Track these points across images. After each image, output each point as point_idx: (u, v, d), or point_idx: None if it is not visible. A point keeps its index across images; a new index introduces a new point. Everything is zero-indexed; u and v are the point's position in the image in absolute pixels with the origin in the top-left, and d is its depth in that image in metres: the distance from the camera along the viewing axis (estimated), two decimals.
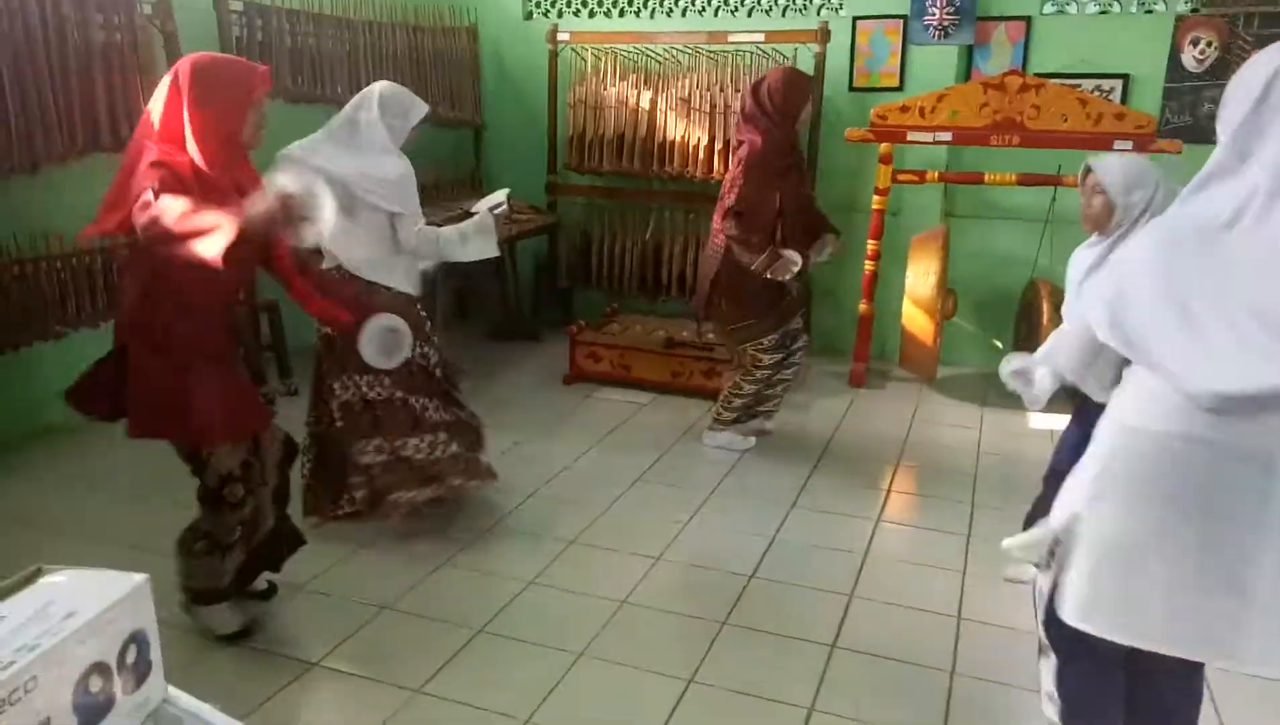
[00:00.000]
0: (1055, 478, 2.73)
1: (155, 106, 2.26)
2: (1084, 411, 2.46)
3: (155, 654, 0.90)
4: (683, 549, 3.20)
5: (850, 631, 2.71)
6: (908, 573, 3.07)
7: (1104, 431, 1.69)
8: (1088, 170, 2.60)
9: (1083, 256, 2.66)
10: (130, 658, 0.86)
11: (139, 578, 0.86)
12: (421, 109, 3.17)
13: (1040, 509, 2.74)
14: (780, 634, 2.69)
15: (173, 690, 0.92)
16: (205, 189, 2.18)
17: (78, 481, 3.61)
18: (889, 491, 3.74)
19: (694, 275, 5.62)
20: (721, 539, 3.28)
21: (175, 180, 2.14)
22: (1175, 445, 1.54)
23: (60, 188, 3.93)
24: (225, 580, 2.57)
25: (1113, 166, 2.56)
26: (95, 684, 0.82)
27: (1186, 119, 4.80)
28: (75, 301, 3.86)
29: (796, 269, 3.71)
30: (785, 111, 3.71)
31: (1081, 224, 2.64)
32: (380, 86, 3.10)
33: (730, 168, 3.88)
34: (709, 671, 2.51)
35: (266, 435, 2.61)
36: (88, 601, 0.82)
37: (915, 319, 4.81)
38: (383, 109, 3.07)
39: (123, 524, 3.25)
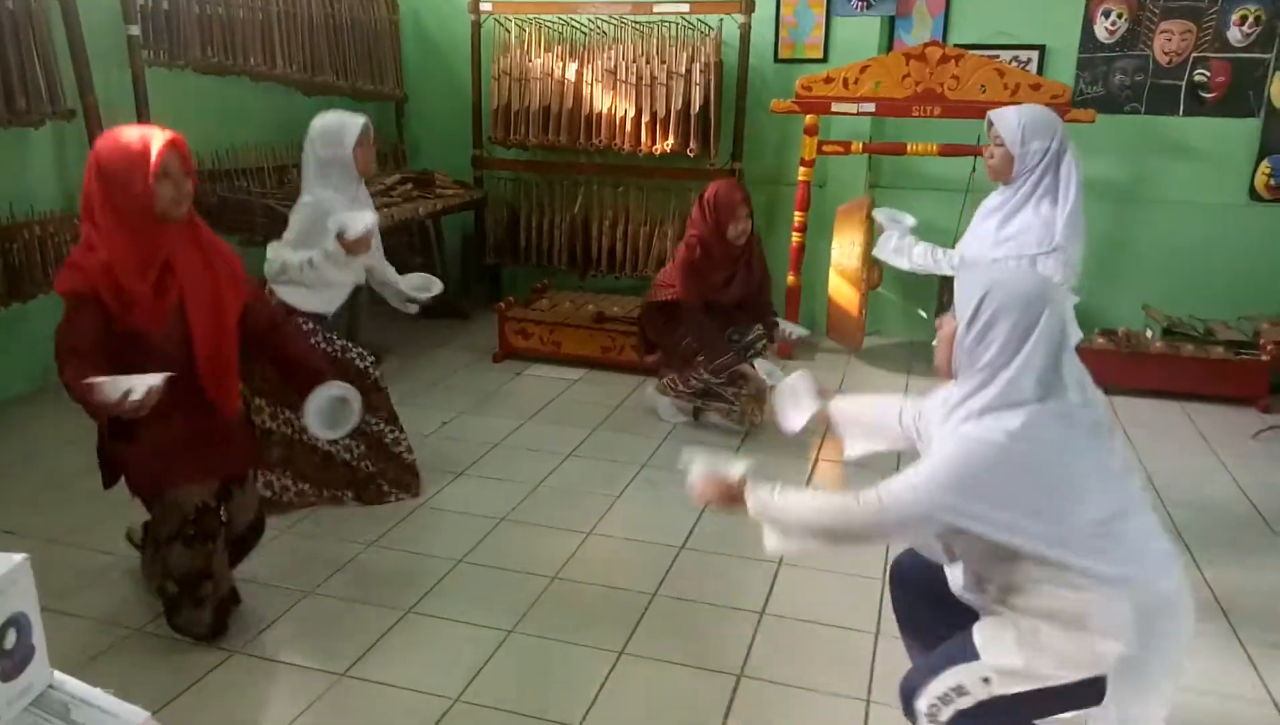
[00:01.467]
0: None
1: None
2: None
3: (38, 638, 0.85)
4: (614, 523, 3.20)
5: (778, 599, 2.74)
6: None
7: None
8: (990, 123, 2.68)
9: (988, 203, 2.83)
10: (8, 642, 0.82)
11: (17, 558, 0.81)
12: (354, 127, 3.14)
13: None
14: (710, 603, 2.71)
15: (59, 675, 0.88)
16: (111, 280, 2.19)
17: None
18: (816, 460, 3.79)
19: (623, 249, 5.60)
20: (652, 512, 3.28)
21: (81, 305, 2.22)
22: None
23: None
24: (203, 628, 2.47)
25: (1009, 118, 2.65)
26: None
27: (1099, 89, 4.92)
28: None
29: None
30: (716, 222, 3.78)
31: (988, 175, 2.74)
32: (313, 123, 3.18)
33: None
34: (640, 643, 2.51)
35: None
36: None
37: (841, 290, 4.87)
38: (311, 144, 3.16)
39: (38, 514, 3.11)
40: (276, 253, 3.15)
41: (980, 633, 1.75)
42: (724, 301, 3.93)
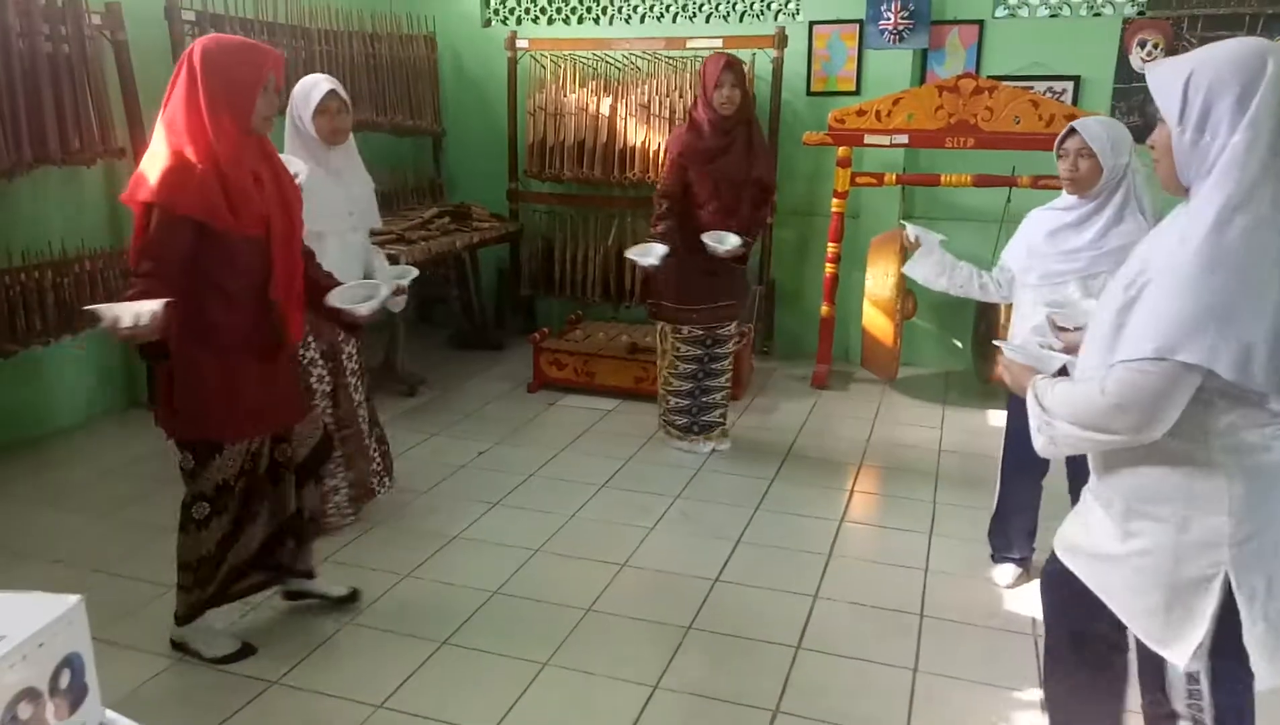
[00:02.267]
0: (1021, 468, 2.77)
1: (172, 90, 2.23)
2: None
3: (91, 677, 0.88)
4: (647, 555, 3.20)
5: (815, 632, 2.72)
6: (871, 572, 3.09)
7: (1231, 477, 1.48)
8: (1070, 132, 2.63)
9: (1044, 218, 2.77)
10: (63, 682, 0.84)
11: (73, 599, 0.84)
12: (316, 95, 2.96)
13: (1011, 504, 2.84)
14: (745, 637, 2.70)
15: (110, 714, 0.90)
16: (219, 178, 2.19)
17: (37, 501, 3.53)
18: (852, 492, 3.77)
19: None
20: (686, 544, 3.28)
21: (176, 224, 2.18)
22: None
23: (8, 202, 3.86)
24: (205, 595, 2.50)
25: (1098, 129, 2.59)
26: (25, 711, 0.80)
27: (1136, 119, 4.88)
28: (25, 318, 3.77)
29: (648, 261, 3.66)
30: (704, 91, 3.74)
31: (1065, 188, 2.67)
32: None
33: None
34: (674, 677, 2.50)
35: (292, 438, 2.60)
36: (17, 625, 0.80)
37: (875, 320, 4.86)
38: (290, 105, 3.03)
39: (84, 544, 3.18)
40: None
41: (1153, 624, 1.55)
42: (720, 176, 3.74)
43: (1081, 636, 1.76)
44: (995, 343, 1.86)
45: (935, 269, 3.06)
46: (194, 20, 4.34)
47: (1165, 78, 1.46)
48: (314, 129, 3.01)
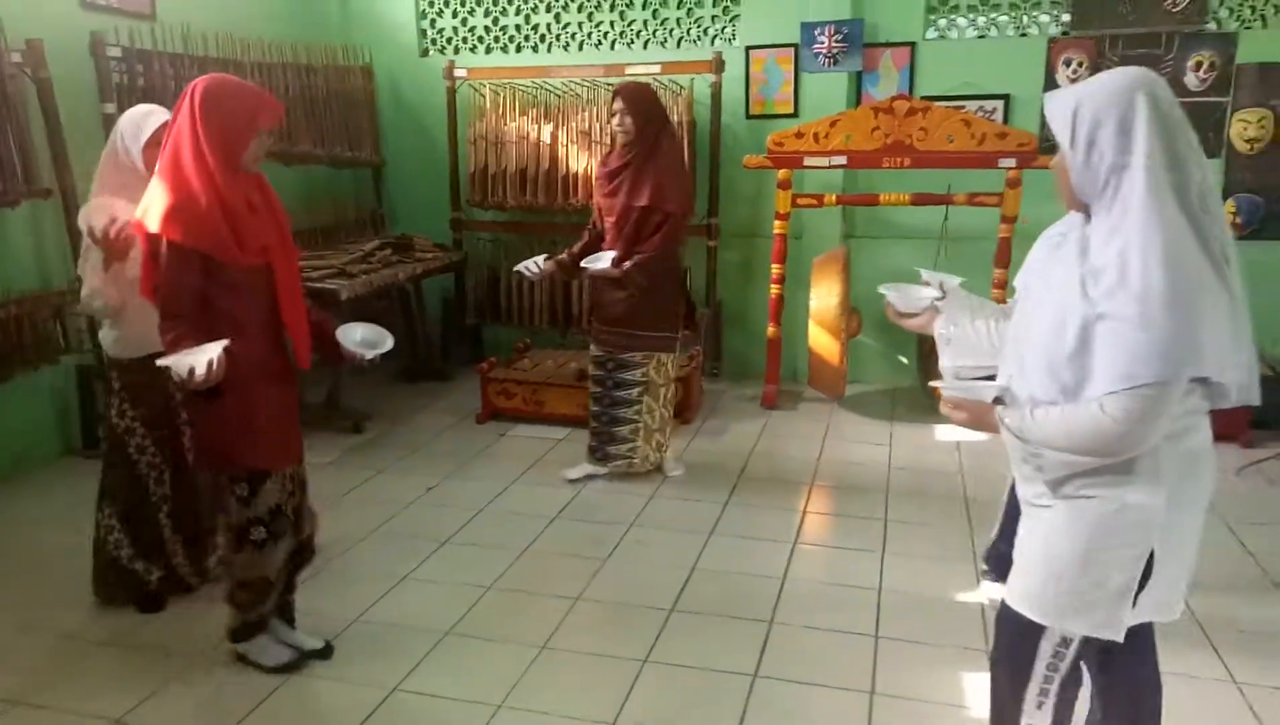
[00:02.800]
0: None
1: (173, 126, 2.31)
2: None
3: None
4: (602, 587, 3.16)
5: (771, 659, 2.71)
6: (826, 594, 3.10)
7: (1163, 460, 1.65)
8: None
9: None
10: None
11: None
12: (154, 120, 2.67)
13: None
14: (702, 667, 2.67)
15: None
16: (221, 211, 2.25)
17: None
18: (804, 513, 3.78)
19: None
20: (641, 573, 3.25)
21: (185, 259, 2.25)
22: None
23: None
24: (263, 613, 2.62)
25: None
26: None
27: None
28: None
29: (527, 273, 3.99)
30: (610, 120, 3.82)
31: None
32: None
33: None
34: (632, 711, 2.47)
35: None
36: None
37: (821, 339, 4.90)
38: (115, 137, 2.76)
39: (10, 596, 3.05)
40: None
41: (1026, 593, 1.78)
42: (610, 200, 3.79)
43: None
44: (933, 384, 1.83)
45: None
46: (120, 56, 4.24)
47: (1057, 108, 1.65)
48: (143, 162, 2.63)
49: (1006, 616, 1.84)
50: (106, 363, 2.83)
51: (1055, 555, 1.73)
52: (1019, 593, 1.81)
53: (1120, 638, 1.72)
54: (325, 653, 2.72)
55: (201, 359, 2.10)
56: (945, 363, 2.05)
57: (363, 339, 2.56)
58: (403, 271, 5.10)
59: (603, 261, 3.75)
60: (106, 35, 4.18)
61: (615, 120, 3.73)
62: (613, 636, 2.84)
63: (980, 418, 1.77)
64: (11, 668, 2.67)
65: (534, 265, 3.97)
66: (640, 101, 3.72)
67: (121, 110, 4.22)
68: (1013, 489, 2.73)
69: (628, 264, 3.73)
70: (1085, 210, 1.66)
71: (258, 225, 2.34)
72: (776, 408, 5.08)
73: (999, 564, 2.96)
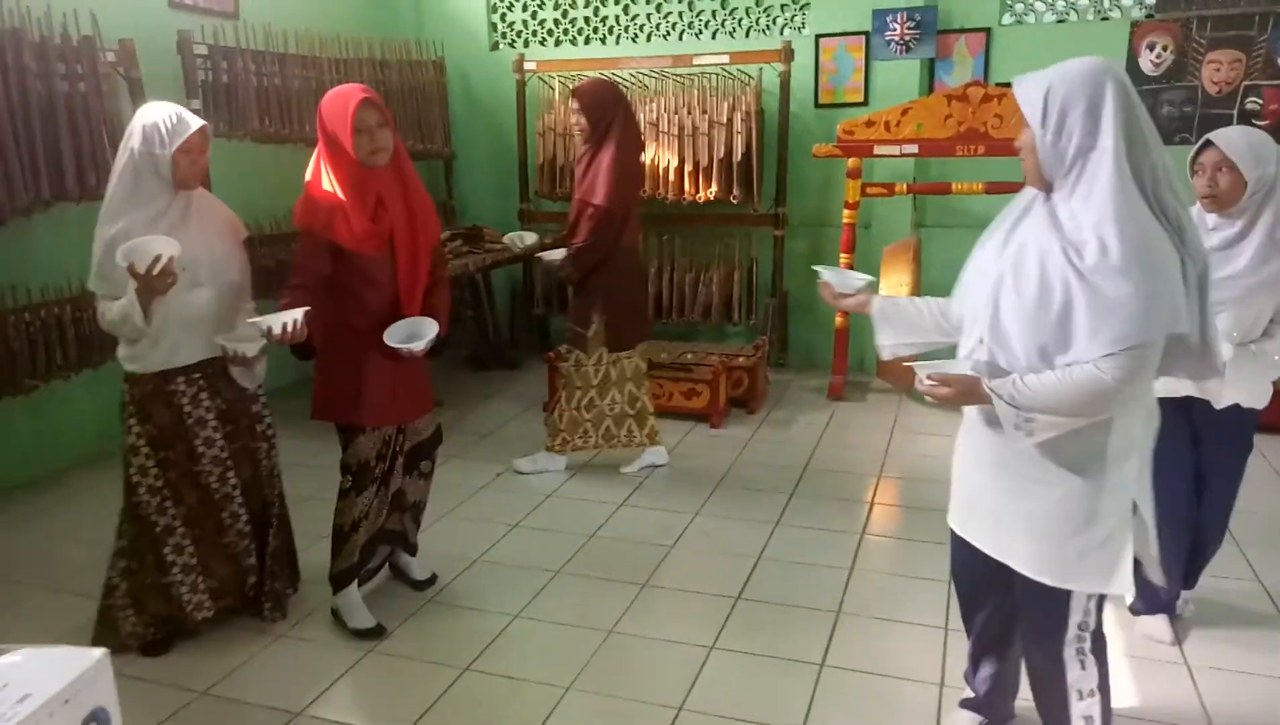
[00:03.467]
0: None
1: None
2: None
3: None
4: (668, 574, 3.19)
5: (838, 650, 2.70)
6: (894, 586, 3.07)
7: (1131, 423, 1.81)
8: (1206, 144, 2.40)
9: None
10: None
11: (97, 653, 0.85)
12: (191, 124, 2.52)
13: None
14: (768, 655, 2.68)
15: None
16: (344, 206, 2.53)
17: (56, 534, 3.56)
18: (872, 503, 3.75)
19: (670, 295, 5.64)
20: (707, 561, 3.27)
21: (312, 238, 2.58)
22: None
23: (27, 239, 3.91)
24: (349, 563, 2.83)
25: (1239, 141, 2.35)
26: None
27: None
28: (46, 354, 3.82)
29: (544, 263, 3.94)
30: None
31: (1204, 206, 2.41)
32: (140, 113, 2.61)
33: None
34: (699, 698, 2.49)
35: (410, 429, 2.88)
36: (43, 682, 0.81)
37: None
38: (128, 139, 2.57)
39: (99, 577, 3.20)
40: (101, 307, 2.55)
41: (1055, 564, 1.86)
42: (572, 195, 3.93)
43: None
44: (913, 365, 1.89)
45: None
46: (206, 54, 4.40)
47: (1029, 89, 1.76)
48: (172, 169, 2.51)
49: (1030, 590, 1.91)
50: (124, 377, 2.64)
51: (1066, 516, 1.82)
52: (1039, 563, 1.87)
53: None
54: (430, 582, 3.10)
55: (278, 320, 2.34)
56: (884, 341, 2.18)
57: (407, 335, 2.60)
58: (472, 262, 5.19)
59: (555, 253, 3.87)
60: (193, 34, 4.34)
61: (574, 119, 3.85)
62: (678, 623, 2.87)
63: (970, 391, 1.82)
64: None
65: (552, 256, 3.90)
66: (591, 99, 3.77)
67: (205, 106, 4.41)
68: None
69: (559, 255, 3.81)
70: (1048, 187, 1.78)
71: (384, 218, 2.58)
72: (843, 399, 5.04)
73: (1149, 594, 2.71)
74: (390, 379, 2.68)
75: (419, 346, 2.56)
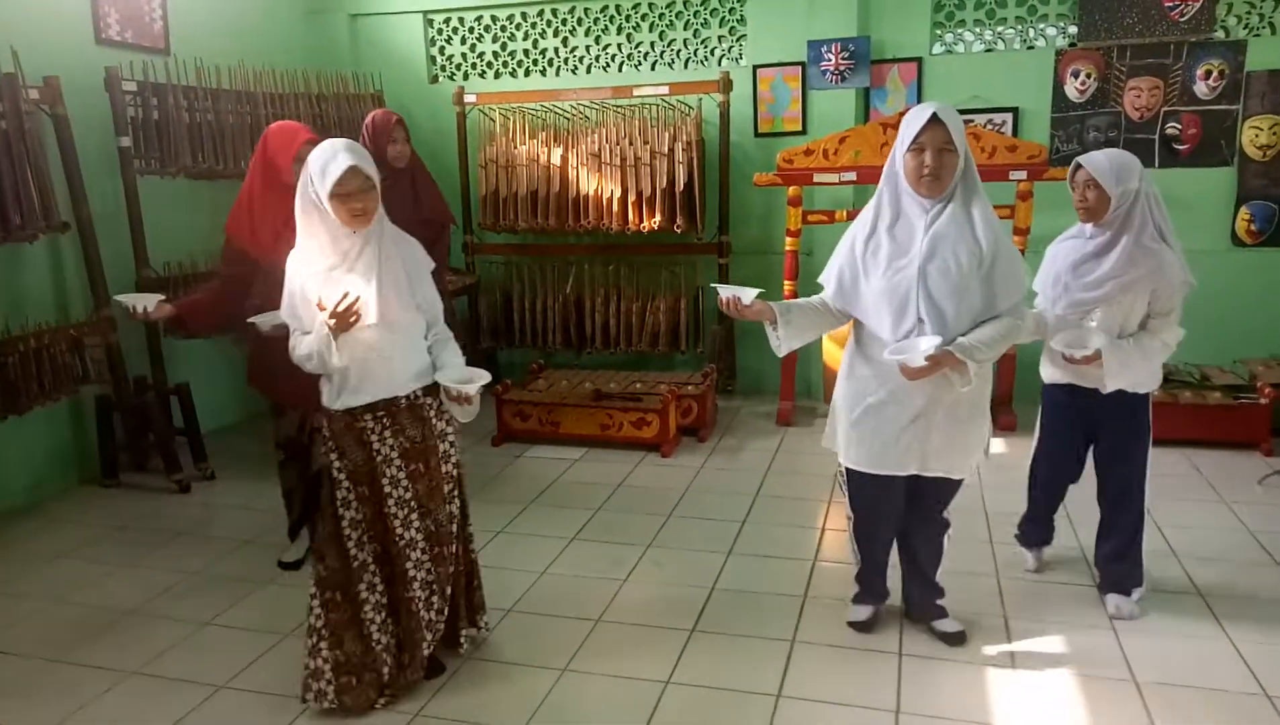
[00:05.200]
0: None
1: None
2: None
3: None
4: (622, 607, 3.14)
5: (794, 679, 2.68)
6: (847, 613, 3.07)
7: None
8: (1077, 166, 2.80)
9: (1066, 249, 2.91)
10: None
11: None
12: (339, 165, 2.38)
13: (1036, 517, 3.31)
14: (724, 688, 2.65)
15: None
16: (253, 231, 3.12)
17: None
18: (823, 529, 3.75)
19: (617, 325, 5.64)
20: (661, 593, 3.23)
21: (230, 241, 3.23)
22: None
23: None
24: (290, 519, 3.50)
25: (1102, 162, 2.75)
26: None
27: (1074, 146, 5.01)
28: None
29: None
30: (375, 147, 3.85)
31: (1080, 217, 2.84)
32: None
33: None
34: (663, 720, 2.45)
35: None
36: None
37: (836, 354, 4.87)
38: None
39: (33, 632, 3.05)
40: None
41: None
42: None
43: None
44: (890, 356, 2.42)
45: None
46: (135, 90, 4.30)
47: (957, 122, 2.42)
48: (331, 206, 2.40)
49: (945, 487, 2.71)
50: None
51: (978, 427, 2.62)
52: (965, 464, 2.64)
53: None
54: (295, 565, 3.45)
55: (137, 301, 3.10)
56: (783, 337, 2.67)
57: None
58: None
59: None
60: (121, 70, 4.24)
61: (396, 148, 3.99)
62: (633, 658, 2.82)
63: (947, 360, 2.37)
64: (38, 702, 2.67)
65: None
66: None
67: (136, 144, 4.31)
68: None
69: None
70: (948, 197, 2.48)
71: (286, 238, 2.65)
72: (792, 424, 5.06)
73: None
74: (291, 367, 2.53)
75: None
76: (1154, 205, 2.77)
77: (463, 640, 2.77)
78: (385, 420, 2.54)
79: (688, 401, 4.87)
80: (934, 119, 2.38)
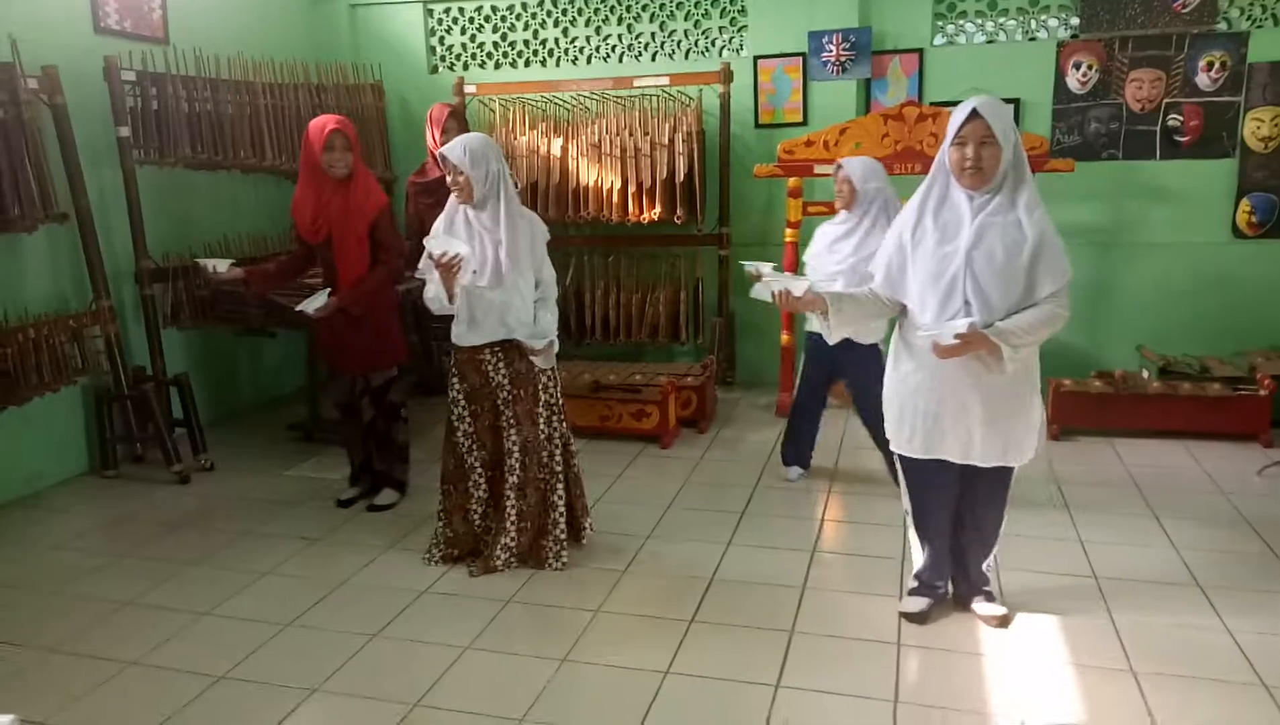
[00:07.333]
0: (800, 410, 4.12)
1: None
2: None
3: None
4: (621, 599, 3.15)
5: (793, 670, 2.69)
6: (846, 603, 3.07)
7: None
8: (839, 166, 3.73)
9: (827, 231, 3.86)
10: None
11: (5, 720, 0.79)
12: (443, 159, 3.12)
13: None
14: (724, 678, 2.66)
15: None
16: (298, 212, 3.67)
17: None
18: (823, 520, 3.76)
19: (616, 317, 5.63)
20: (659, 585, 3.24)
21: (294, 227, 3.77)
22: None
23: None
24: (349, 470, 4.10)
25: (855, 163, 3.72)
26: None
27: (1076, 138, 5.01)
28: None
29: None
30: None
31: (836, 204, 3.78)
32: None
33: None
34: (655, 724, 2.46)
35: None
36: None
37: None
38: None
39: (31, 622, 3.06)
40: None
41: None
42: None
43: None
44: (924, 335, 2.53)
45: (857, 313, 2.81)
46: (134, 80, 4.29)
47: (1002, 113, 2.57)
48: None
49: (999, 474, 2.74)
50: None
51: (1026, 413, 2.67)
52: (1021, 450, 2.70)
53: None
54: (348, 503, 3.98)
55: (218, 263, 3.67)
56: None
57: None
58: (414, 286, 5.11)
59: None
60: (120, 60, 4.23)
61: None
62: (633, 649, 2.82)
63: (979, 342, 2.44)
64: (36, 692, 2.68)
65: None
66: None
67: (135, 134, 4.30)
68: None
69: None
70: (995, 189, 2.56)
71: (321, 218, 3.57)
72: None
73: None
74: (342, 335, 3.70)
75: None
76: (890, 203, 3.62)
77: (586, 527, 3.51)
78: (500, 354, 3.22)
79: (687, 393, 4.87)
80: (974, 114, 2.52)
